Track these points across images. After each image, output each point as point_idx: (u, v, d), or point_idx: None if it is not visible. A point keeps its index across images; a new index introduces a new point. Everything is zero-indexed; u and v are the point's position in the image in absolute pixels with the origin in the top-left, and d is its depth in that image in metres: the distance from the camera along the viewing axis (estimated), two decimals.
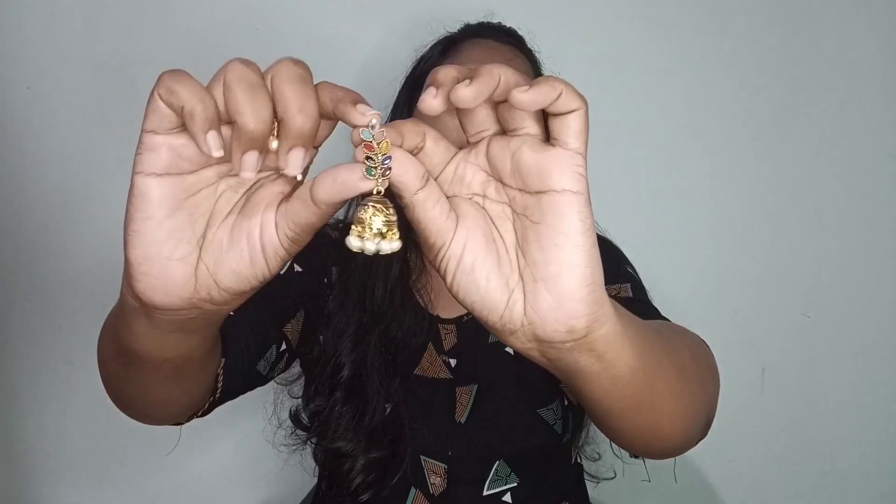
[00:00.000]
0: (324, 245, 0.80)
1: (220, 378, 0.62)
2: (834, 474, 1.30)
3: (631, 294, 0.79)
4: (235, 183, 0.37)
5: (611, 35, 1.20)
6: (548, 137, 0.35)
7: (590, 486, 0.94)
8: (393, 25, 1.15)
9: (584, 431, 0.91)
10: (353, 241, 0.34)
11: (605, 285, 0.36)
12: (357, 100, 0.33)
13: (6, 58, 1.07)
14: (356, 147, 0.33)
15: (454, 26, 0.90)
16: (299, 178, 0.35)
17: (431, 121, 0.39)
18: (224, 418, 0.74)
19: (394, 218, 0.35)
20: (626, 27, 1.20)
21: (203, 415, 0.62)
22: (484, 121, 0.37)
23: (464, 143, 0.38)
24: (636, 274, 0.85)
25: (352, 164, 0.34)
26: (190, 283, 0.36)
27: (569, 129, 0.34)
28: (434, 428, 0.80)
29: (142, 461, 1.18)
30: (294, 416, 0.87)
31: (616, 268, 0.84)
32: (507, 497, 0.81)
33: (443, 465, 0.80)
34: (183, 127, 0.33)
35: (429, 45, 0.88)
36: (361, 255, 0.35)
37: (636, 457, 0.60)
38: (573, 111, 0.33)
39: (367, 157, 0.33)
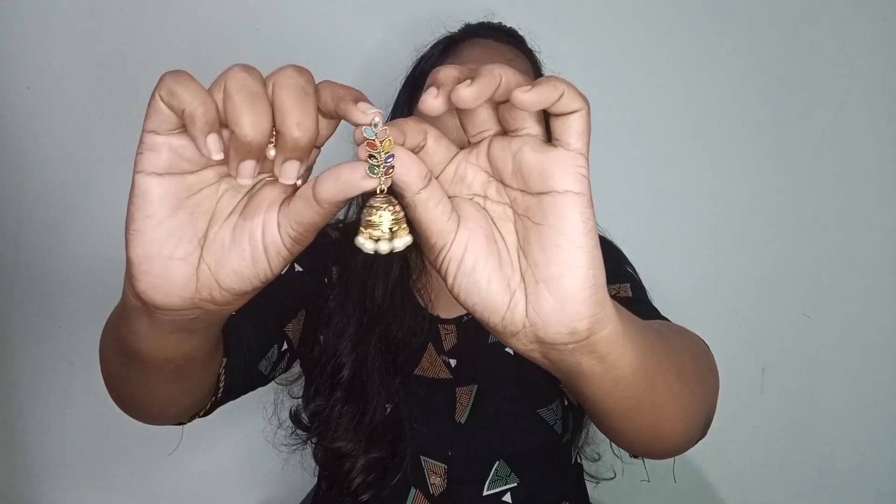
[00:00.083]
0: (324, 245, 0.80)
1: (222, 378, 0.62)
2: (834, 474, 1.30)
3: (630, 294, 0.79)
4: (237, 183, 0.37)
5: (611, 35, 1.20)
6: (549, 138, 0.35)
7: (590, 486, 0.94)
8: (393, 25, 1.15)
9: (584, 432, 0.91)
10: (367, 244, 0.34)
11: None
12: (359, 98, 0.33)
13: (6, 58, 1.07)
14: (358, 145, 0.33)
15: (454, 26, 0.90)
16: (298, 183, 0.35)
17: (431, 121, 0.39)
18: (224, 418, 0.74)
19: (402, 214, 0.35)
20: (626, 27, 1.20)
21: (205, 414, 0.62)
22: (485, 121, 0.37)
23: (464, 143, 0.38)
24: (636, 274, 0.85)
25: (354, 163, 0.33)
26: (191, 283, 0.36)
27: (571, 129, 0.34)
28: (434, 428, 0.80)
29: (142, 461, 1.18)
30: (294, 416, 0.87)
31: (616, 267, 0.84)
32: (507, 497, 0.81)
33: (443, 465, 0.80)
34: (184, 128, 0.33)
35: (429, 45, 0.88)
36: (362, 254, 0.35)
37: (636, 457, 0.60)
38: (575, 111, 0.33)
39: (370, 156, 0.33)
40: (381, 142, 0.33)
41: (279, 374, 0.79)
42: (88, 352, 1.04)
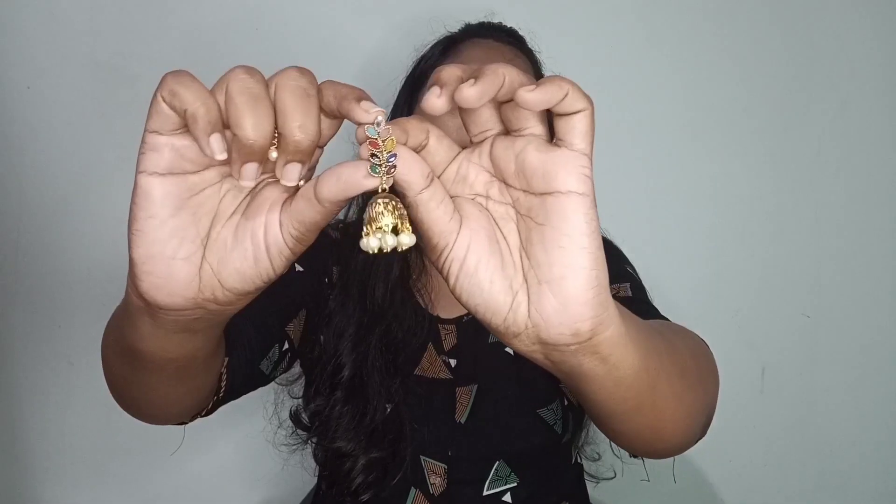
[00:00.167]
0: (325, 245, 0.80)
1: (224, 377, 0.62)
2: (834, 474, 1.30)
3: (630, 293, 0.79)
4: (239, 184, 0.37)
5: (611, 35, 1.20)
6: (552, 138, 0.35)
7: (590, 486, 0.94)
8: (393, 25, 1.15)
9: (584, 431, 0.91)
10: (371, 242, 0.34)
11: None
12: (361, 97, 0.33)
13: (6, 58, 1.07)
14: (361, 144, 0.33)
15: (454, 26, 0.90)
16: (301, 183, 0.35)
17: (431, 120, 0.39)
18: (224, 418, 0.74)
19: (405, 211, 0.34)
20: (626, 27, 1.20)
21: (206, 414, 0.62)
22: (487, 120, 0.37)
23: (465, 143, 0.38)
24: (636, 273, 0.85)
25: (355, 162, 0.33)
26: (194, 283, 0.36)
27: (575, 129, 0.33)
28: (434, 428, 0.80)
29: (142, 461, 1.18)
30: (294, 416, 0.87)
31: (615, 267, 0.83)
32: (507, 497, 0.81)
33: (443, 465, 0.80)
34: (186, 128, 0.33)
35: (429, 45, 0.88)
36: (362, 254, 0.35)
37: (636, 456, 0.60)
38: (579, 112, 0.33)
39: (372, 155, 0.33)
40: (383, 141, 0.33)
41: (280, 374, 0.79)
42: (88, 352, 1.04)
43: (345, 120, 0.35)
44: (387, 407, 0.78)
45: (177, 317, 0.37)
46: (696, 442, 0.51)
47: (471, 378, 0.82)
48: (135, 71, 1.09)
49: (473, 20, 0.91)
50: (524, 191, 0.35)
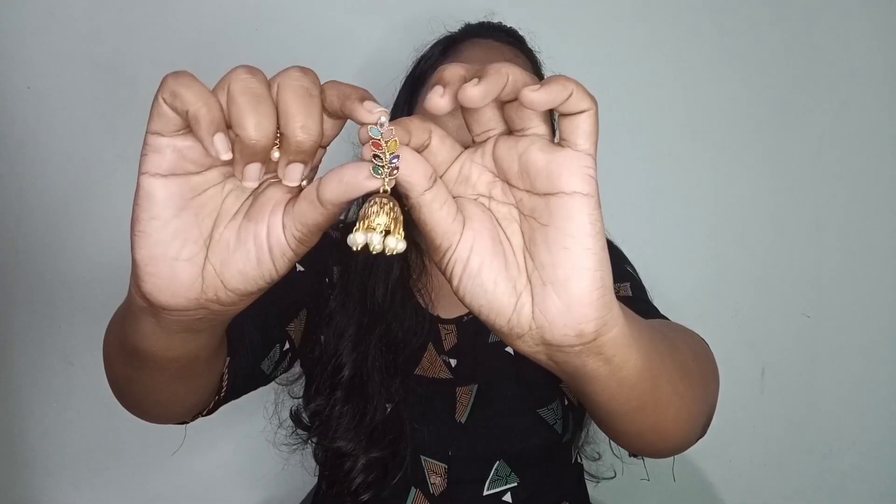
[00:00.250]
0: (325, 245, 0.80)
1: (226, 377, 0.62)
2: (834, 474, 1.30)
3: (630, 293, 0.79)
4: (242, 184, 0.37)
5: (611, 35, 1.20)
6: (554, 137, 0.35)
7: (590, 485, 0.94)
8: (393, 25, 1.15)
9: (584, 431, 0.91)
10: (357, 238, 0.33)
11: None
12: (364, 97, 0.33)
13: (6, 58, 1.07)
14: (363, 145, 0.33)
15: (454, 26, 0.90)
16: (303, 184, 0.35)
17: (431, 119, 0.39)
18: (225, 418, 0.74)
19: (400, 216, 0.34)
20: (626, 27, 1.20)
21: (208, 413, 0.62)
22: (490, 120, 0.37)
23: (466, 143, 0.38)
24: (636, 273, 0.85)
25: (358, 163, 0.33)
26: (197, 284, 0.36)
27: (579, 129, 0.33)
28: (434, 428, 0.80)
29: (142, 461, 1.18)
30: (295, 416, 0.87)
31: (616, 266, 0.83)
32: (507, 497, 0.81)
33: (443, 464, 0.80)
34: (187, 129, 0.33)
35: (429, 45, 0.88)
36: (363, 254, 0.35)
37: (636, 455, 0.60)
38: (584, 111, 0.33)
39: (375, 156, 0.32)
40: (386, 142, 0.32)
41: (281, 374, 0.79)
42: (88, 352, 1.04)
43: (347, 120, 0.35)
44: (387, 407, 0.78)
45: (179, 317, 0.37)
46: (697, 441, 0.51)
47: (471, 378, 0.82)
48: (135, 71, 1.09)
49: (473, 20, 0.91)
50: (528, 191, 0.35)
